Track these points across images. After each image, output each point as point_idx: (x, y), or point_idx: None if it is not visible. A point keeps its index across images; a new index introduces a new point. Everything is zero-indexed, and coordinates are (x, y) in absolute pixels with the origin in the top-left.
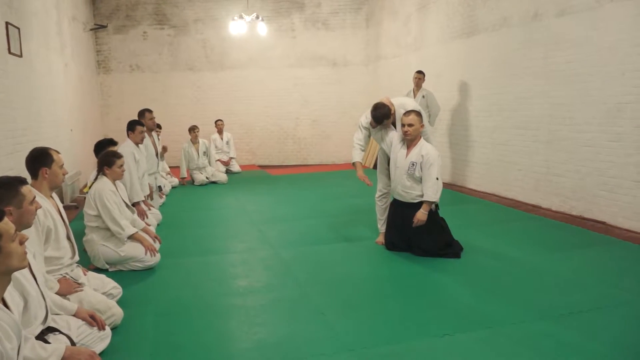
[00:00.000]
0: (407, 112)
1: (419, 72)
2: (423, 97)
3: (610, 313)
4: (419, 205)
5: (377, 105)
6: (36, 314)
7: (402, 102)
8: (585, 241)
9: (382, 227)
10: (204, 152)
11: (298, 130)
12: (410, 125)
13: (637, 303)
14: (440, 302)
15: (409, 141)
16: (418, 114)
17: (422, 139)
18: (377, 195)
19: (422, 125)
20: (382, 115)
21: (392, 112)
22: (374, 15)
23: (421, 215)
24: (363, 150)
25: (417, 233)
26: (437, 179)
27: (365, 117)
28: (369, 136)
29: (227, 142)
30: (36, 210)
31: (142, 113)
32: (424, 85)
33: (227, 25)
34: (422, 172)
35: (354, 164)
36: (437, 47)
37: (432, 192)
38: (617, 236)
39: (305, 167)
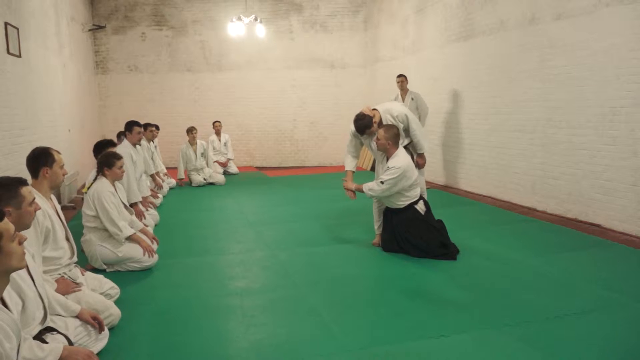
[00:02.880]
0: (383, 126)
1: (400, 75)
2: (412, 99)
3: (604, 315)
4: (406, 209)
5: (358, 117)
6: (34, 315)
7: (388, 107)
8: (580, 244)
9: (378, 229)
10: (202, 154)
11: (296, 132)
12: (377, 139)
13: (631, 305)
14: (437, 303)
15: (387, 152)
16: (388, 129)
17: (398, 150)
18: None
19: (389, 144)
20: (363, 126)
21: (376, 120)
22: (372, 17)
23: (350, 186)
24: (355, 157)
25: (412, 234)
26: (382, 183)
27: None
28: (361, 143)
29: (225, 144)
30: (35, 211)
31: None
32: (410, 87)
33: (225, 26)
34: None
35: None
36: (435, 50)
37: (371, 184)
38: (612, 239)
39: (303, 169)
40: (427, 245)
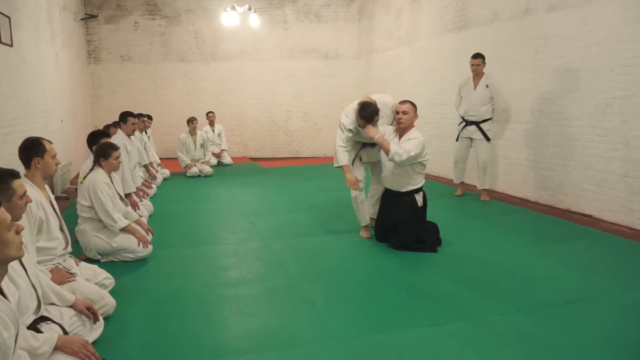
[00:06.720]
0: (403, 101)
1: (478, 56)
2: (487, 86)
3: (595, 304)
4: (407, 193)
5: (364, 105)
6: (27, 305)
7: (382, 101)
8: (571, 234)
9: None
10: (201, 145)
11: (289, 122)
12: (404, 112)
13: (622, 294)
14: (429, 293)
15: (402, 130)
16: (413, 103)
17: (414, 128)
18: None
19: (416, 116)
20: (372, 113)
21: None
22: (366, 8)
23: (373, 131)
24: (348, 152)
25: (399, 223)
26: (410, 152)
27: (347, 117)
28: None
29: (219, 134)
30: (26, 205)
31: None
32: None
33: (219, 16)
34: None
35: (341, 167)
36: (429, 40)
37: (397, 150)
38: (603, 229)
39: (297, 160)
40: (409, 237)
